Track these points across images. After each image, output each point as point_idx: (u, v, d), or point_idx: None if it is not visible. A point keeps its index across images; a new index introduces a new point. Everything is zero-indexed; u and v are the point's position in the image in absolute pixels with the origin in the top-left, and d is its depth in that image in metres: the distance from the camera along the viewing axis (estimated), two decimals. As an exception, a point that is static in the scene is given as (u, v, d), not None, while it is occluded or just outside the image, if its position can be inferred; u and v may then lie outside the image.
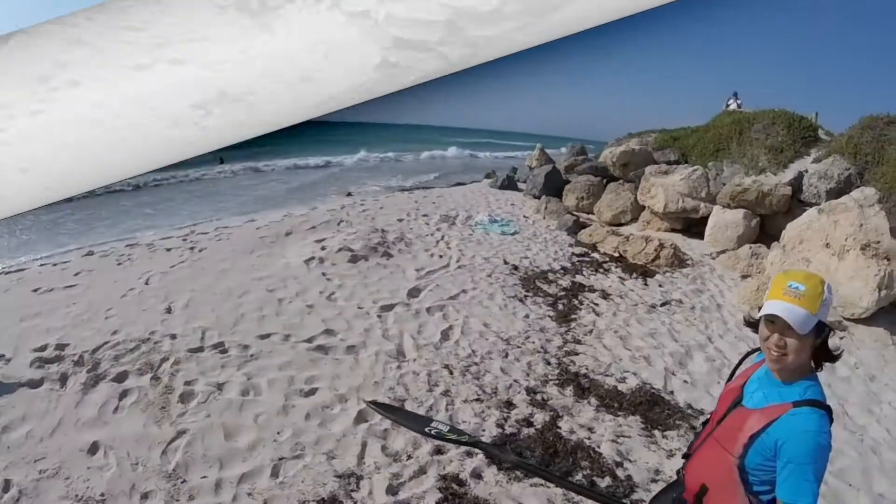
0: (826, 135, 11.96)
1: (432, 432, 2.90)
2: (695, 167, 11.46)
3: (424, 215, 11.77)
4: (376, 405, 3.61)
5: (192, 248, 8.95)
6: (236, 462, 3.84)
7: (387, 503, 3.51)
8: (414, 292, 7.12)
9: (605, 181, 13.57)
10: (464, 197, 14.69)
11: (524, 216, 12.61)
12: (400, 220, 11.10)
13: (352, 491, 3.60)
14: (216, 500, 3.49)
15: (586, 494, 2.89)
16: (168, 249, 8.98)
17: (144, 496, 3.48)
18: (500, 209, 13.16)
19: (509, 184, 16.82)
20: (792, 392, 1.82)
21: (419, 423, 3.16)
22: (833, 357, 1.89)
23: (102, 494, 3.46)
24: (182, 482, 3.64)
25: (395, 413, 3.50)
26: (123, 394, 4.58)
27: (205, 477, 3.67)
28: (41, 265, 8.42)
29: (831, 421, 1.78)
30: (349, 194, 17.81)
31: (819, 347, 1.84)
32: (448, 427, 2.90)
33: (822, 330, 1.80)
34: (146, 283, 7.24)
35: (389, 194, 16.54)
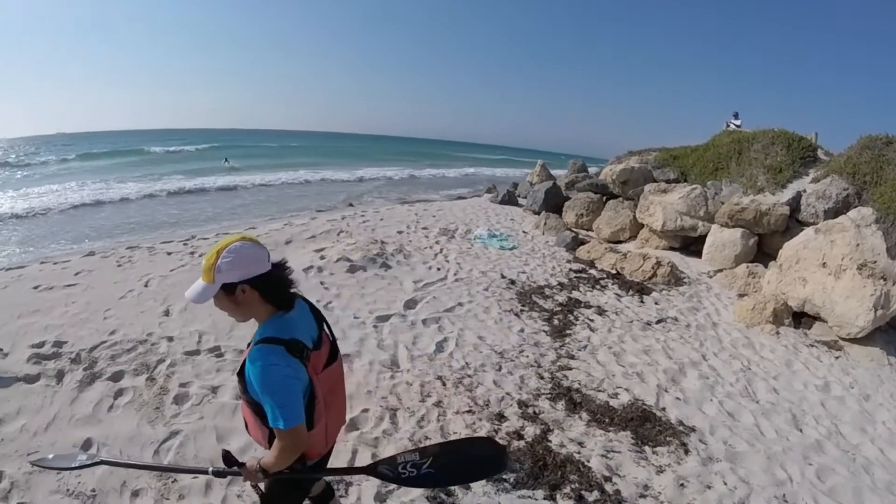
0: (825, 155, 11.97)
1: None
2: (693, 186, 11.50)
3: (424, 228, 11.84)
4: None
5: (192, 253, 9.01)
6: (228, 464, 3.84)
7: (375, 510, 3.52)
8: (410, 304, 7.15)
9: (604, 198, 13.62)
10: (464, 211, 14.76)
11: (523, 231, 12.65)
12: (399, 233, 11.16)
13: (341, 496, 3.61)
14: (206, 501, 3.52)
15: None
16: (168, 253, 9.03)
17: (135, 493, 3.51)
18: (500, 224, 13.22)
19: (509, 199, 16.92)
20: (256, 336, 2.06)
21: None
22: (283, 296, 2.12)
23: (93, 490, 3.49)
24: (173, 481, 3.66)
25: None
26: (118, 393, 4.65)
27: (196, 478, 3.69)
28: (42, 263, 8.47)
29: (291, 351, 1.97)
30: (351, 205, 17.88)
31: (265, 294, 2.05)
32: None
33: (233, 289, 2.00)
34: (145, 286, 7.30)
35: (390, 206, 16.60)
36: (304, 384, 2.03)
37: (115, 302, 6.72)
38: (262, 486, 2.33)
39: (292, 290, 2.20)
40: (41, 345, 5.32)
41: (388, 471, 2.35)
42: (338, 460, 3.94)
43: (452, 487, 3.74)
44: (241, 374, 2.07)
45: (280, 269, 2.15)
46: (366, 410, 4.62)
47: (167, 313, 6.36)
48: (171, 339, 5.65)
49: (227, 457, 2.24)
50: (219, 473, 2.30)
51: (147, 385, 4.79)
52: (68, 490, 3.50)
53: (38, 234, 13.97)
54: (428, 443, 4.24)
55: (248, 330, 5.77)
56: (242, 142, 70.14)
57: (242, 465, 2.19)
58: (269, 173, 30.21)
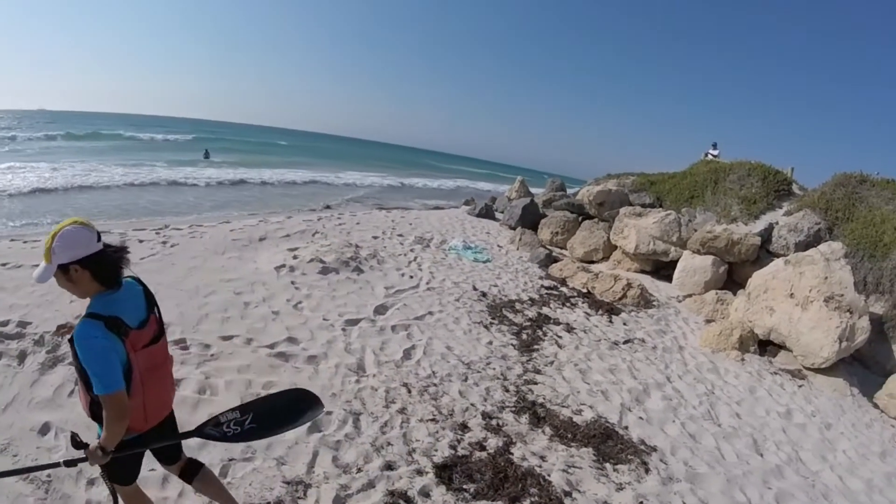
0: (799, 189, 12.24)
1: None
2: (668, 211, 11.64)
3: (400, 235, 11.79)
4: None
5: (164, 243, 8.86)
6: (184, 459, 3.77)
7: (332, 513, 3.47)
8: (381, 309, 7.10)
9: (580, 218, 13.73)
10: (440, 221, 14.73)
11: (498, 245, 12.65)
12: (375, 238, 11.09)
13: (299, 498, 3.57)
14: (162, 494, 3.44)
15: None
16: (140, 241, 8.87)
17: (91, 482, 3.44)
18: (476, 236, 13.21)
19: (487, 212, 16.89)
20: (86, 311, 2.24)
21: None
22: (109, 277, 2.29)
23: (49, 476, 3.40)
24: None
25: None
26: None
27: (153, 469, 3.58)
28: (11, 241, 8.27)
29: (109, 327, 2.17)
30: (328, 207, 17.79)
31: (91, 276, 2.24)
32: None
33: (67, 269, 2.20)
34: (114, 272, 7.13)
35: (367, 211, 16.55)
36: (120, 357, 2.22)
37: (81, 287, 6.56)
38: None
39: (125, 273, 2.40)
40: (5, 323, 5.17)
41: (215, 431, 2.60)
42: (297, 461, 3.91)
43: (412, 494, 3.73)
44: (71, 342, 2.20)
45: (110, 251, 2.31)
46: (329, 413, 4.55)
47: (133, 302, 6.24)
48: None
49: (74, 439, 2.34)
50: (69, 463, 2.40)
51: (109, 373, 4.68)
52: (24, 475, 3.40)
53: (14, 211, 13.76)
54: (391, 449, 4.21)
55: (216, 325, 5.74)
56: (228, 135, 69.64)
57: (86, 446, 2.31)
58: (253, 169, 30.08)
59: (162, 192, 19.92)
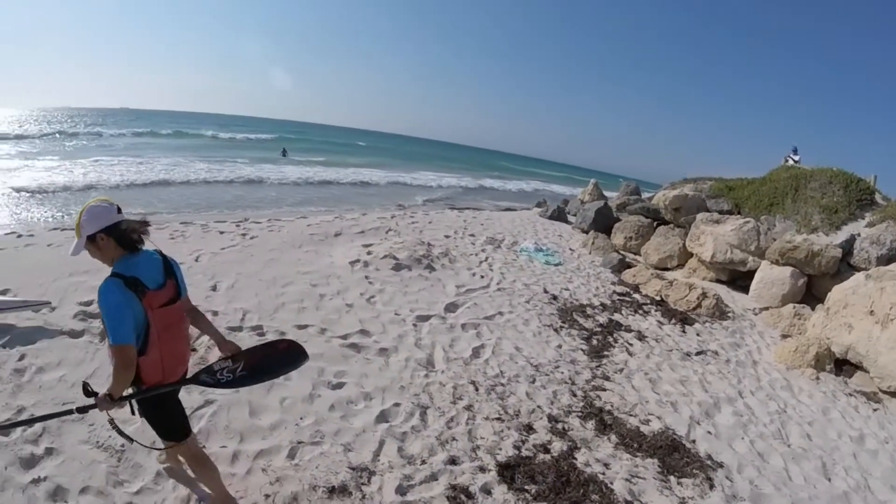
0: (883, 199, 11.62)
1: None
2: (746, 219, 11.25)
3: (471, 235, 11.90)
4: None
5: (244, 235, 9.25)
6: (256, 439, 3.99)
7: (394, 502, 3.58)
8: (451, 307, 7.20)
9: (655, 223, 13.43)
10: (512, 222, 14.75)
11: (570, 248, 12.58)
12: (447, 237, 11.24)
13: (362, 484, 3.68)
14: (231, 470, 3.63)
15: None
16: (221, 232, 9.30)
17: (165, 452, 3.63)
18: (547, 239, 13.18)
19: (559, 215, 16.78)
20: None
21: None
22: (129, 242, 2.63)
23: (122, 446, 3.65)
24: (202, 447, 3.78)
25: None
26: None
27: (224, 447, 3.83)
28: None
29: (128, 285, 2.49)
30: (401, 206, 18.06)
31: (116, 243, 2.59)
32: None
33: (94, 238, 2.56)
34: (196, 260, 7.57)
35: (439, 211, 16.71)
36: (136, 313, 2.52)
37: (164, 272, 6.93)
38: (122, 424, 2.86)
39: (149, 246, 2.78)
40: (89, 303, 5.55)
41: (209, 378, 2.88)
42: (364, 448, 4.04)
43: (473, 490, 3.79)
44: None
45: (129, 220, 2.66)
46: (397, 405, 4.69)
47: (214, 288, 6.57)
48: (216, 313, 5.82)
49: (86, 387, 2.62)
50: (81, 409, 2.62)
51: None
52: (97, 443, 3.68)
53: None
54: (455, 444, 4.28)
55: (292, 314, 5.96)
56: (309, 136, 71.27)
57: (95, 394, 2.58)
58: (330, 168, 30.84)
59: (242, 188, 20.70)
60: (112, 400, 2.55)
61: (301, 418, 4.29)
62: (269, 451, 3.87)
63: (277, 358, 3.05)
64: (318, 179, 26.01)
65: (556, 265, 10.63)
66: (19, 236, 8.39)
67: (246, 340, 5.34)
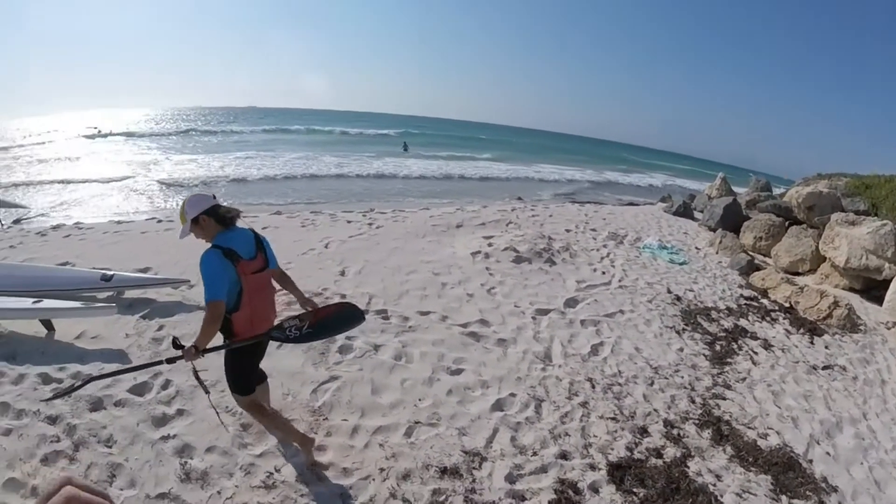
0: None
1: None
2: (884, 222, 10.14)
3: (593, 230, 11.65)
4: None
5: (370, 224, 9.61)
6: (376, 415, 4.18)
7: (503, 489, 3.61)
8: (571, 302, 7.12)
9: (787, 223, 12.39)
10: (635, 218, 14.27)
11: (696, 247, 11.95)
12: (568, 231, 11.09)
13: (473, 468, 3.75)
14: (349, 442, 3.84)
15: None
16: (349, 221, 9.71)
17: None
18: (672, 236, 12.61)
19: (684, 211, 15.88)
20: None
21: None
22: (225, 220, 3.15)
23: (241, 415, 3.97)
24: (324, 419, 4.07)
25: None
26: None
27: (345, 420, 4.06)
28: (274, 213, 9.43)
29: (224, 253, 2.99)
30: (520, 199, 18.02)
31: (215, 222, 3.12)
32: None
33: (197, 220, 3.09)
34: (325, 247, 7.97)
35: (560, 204, 16.53)
36: (230, 277, 2.99)
37: (296, 257, 7.43)
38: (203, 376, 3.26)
39: (242, 225, 3.29)
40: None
41: (279, 334, 3.24)
42: (478, 434, 4.10)
43: (582, 486, 3.77)
44: None
45: (220, 206, 3.17)
46: (513, 395, 4.71)
47: (343, 273, 6.91)
48: (343, 296, 6.14)
49: (175, 341, 2.96)
50: (170, 360, 3.04)
51: (316, 332, 5.26)
52: (226, 407, 4.00)
53: (242, 191, 15.65)
54: (568, 440, 4.26)
55: (415, 301, 6.15)
56: (431, 130, 72.58)
57: (183, 346, 2.93)
58: (452, 162, 31.40)
59: (367, 181, 21.74)
60: (197, 351, 2.93)
61: (420, 400, 4.42)
62: (388, 427, 4.03)
63: (338, 317, 3.43)
64: (439, 173, 26.59)
65: (680, 264, 10.22)
66: (159, 221, 9.24)
67: (371, 322, 5.60)
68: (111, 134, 44.89)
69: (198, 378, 3.13)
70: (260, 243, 3.32)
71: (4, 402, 4.17)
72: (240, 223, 3.25)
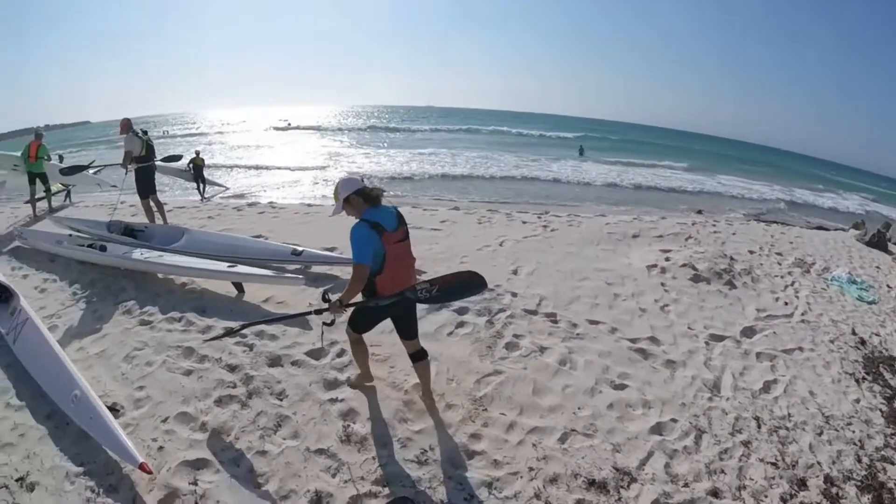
0: None
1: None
2: None
3: (778, 254, 10.75)
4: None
5: (545, 227, 9.72)
6: (534, 415, 4.30)
7: (647, 513, 3.59)
8: (748, 332, 6.68)
9: None
10: (824, 244, 12.87)
11: (888, 285, 10.41)
12: (751, 252, 10.34)
13: (621, 487, 3.73)
14: (504, 436, 4.02)
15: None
16: (524, 222, 9.89)
17: (449, 406, 4.28)
18: (863, 269, 11.08)
19: (878, 241, 13.82)
20: None
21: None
22: (372, 199, 3.69)
23: (406, 392, 4.40)
24: (483, 410, 4.30)
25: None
26: (460, 324, 5.54)
27: (503, 414, 4.24)
28: (412, 207, 9.91)
29: (371, 226, 3.56)
30: (699, 212, 17.24)
31: (363, 200, 3.68)
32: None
33: (348, 199, 3.69)
34: (500, 245, 8.23)
35: (744, 221, 15.62)
36: (375, 245, 3.54)
37: (472, 252, 7.74)
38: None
39: (386, 203, 3.82)
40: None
41: (411, 294, 3.67)
42: (633, 454, 4.07)
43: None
44: None
45: (367, 187, 3.73)
46: (674, 420, 4.58)
47: (515, 272, 7.09)
48: (514, 294, 6.30)
49: (324, 295, 3.68)
50: (318, 311, 3.76)
51: (486, 326, 5.56)
52: (394, 383, 4.48)
53: (423, 186, 16.43)
54: (722, 477, 4.08)
55: (585, 308, 6.18)
56: (612, 134, 71.17)
57: (330, 300, 3.61)
58: (630, 168, 30.77)
59: (543, 183, 21.88)
60: (341, 305, 3.59)
61: (579, 408, 4.46)
62: (543, 429, 4.14)
63: (462, 284, 3.80)
64: (617, 179, 26.06)
65: (869, 303, 9.13)
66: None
67: (539, 324, 5.77)
68: (301, 127, 48.96)
69: (324, 330, 4.15)
70: (402, 219, 3.82)
71: (189, 346, 4.87)
72: (420, 212, 3.77)
